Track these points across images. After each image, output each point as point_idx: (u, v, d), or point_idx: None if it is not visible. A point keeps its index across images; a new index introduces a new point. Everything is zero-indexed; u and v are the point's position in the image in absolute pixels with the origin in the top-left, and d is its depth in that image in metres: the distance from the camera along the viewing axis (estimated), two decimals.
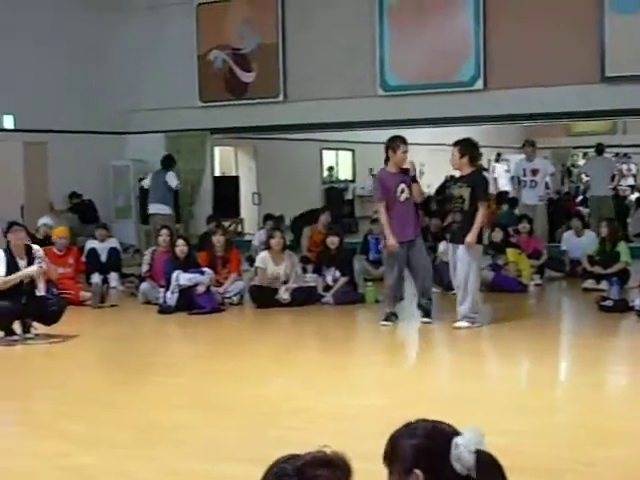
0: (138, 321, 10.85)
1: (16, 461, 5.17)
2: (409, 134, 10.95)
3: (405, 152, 9.69)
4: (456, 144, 9.61)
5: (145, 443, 5.55)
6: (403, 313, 9.97)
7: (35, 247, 9.16)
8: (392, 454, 2.64)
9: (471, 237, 9.21)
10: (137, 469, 5.07)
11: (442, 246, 11.60)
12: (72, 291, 11.24)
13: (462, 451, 2.47)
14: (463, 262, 9.33)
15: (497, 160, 26.74)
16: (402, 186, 9.55)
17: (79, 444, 5.43)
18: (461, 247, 9.31)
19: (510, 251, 12.38)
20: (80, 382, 7.42)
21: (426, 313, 9.74)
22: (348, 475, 2.40)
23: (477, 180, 9.57)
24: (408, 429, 2.65)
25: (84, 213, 16.23)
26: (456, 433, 2.54)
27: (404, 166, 9.73)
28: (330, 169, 25.52)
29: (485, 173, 12.50)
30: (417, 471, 2.50)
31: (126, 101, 17.31)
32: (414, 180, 9.76)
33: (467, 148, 9.55)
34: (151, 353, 8.83)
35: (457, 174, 10.20)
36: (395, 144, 9.71)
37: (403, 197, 9.54)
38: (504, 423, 5.61)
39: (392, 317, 9.74)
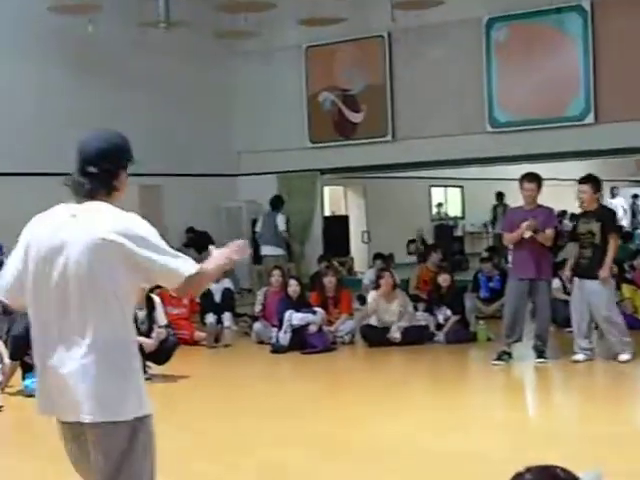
0: (252, 361, 10.99)
1: None
2: (518, 170, 10.88)
3: (527, 190, 9.62)
4: (586, 181, 9.55)
5: None
6: (516, 352, 9.85)
7: (156, 300, 9.37)
8: None
9: (606, 271, 9.28)
10: None
11: (556, 283, 11.43)
12: (187, 331, 11.48)
13: None
14: (601, 296, 9.32)
15: (613, 196, 26.07)
16: (526, 223, 9.47)
17: None
18: (595, 282, 9.25)
19: (626, 287, 12.13)
20: (200, 423, 7.54)
21: (540, 354, 9.62)
22: None
23: (606, 214, 9.65)
24: (529, 475, 2.64)
25: (200, 243, 16.38)
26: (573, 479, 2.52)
27: (532, 204, 9.64)
28: (439, 205, 25.47)
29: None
30: None
31: (238, 143, 17.68)
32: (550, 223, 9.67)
33: (598, 184, 9.57)
34: (266, 394, 8.93)
35: (575, 210, 10.14)
36: (520, 180, 9.73)
37: (527, 235, 9.46)
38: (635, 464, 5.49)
39: (505, 356, 9.64)
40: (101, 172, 3.52)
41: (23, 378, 9.02)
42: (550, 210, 9.79)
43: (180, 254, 3.49)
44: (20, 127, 14.38)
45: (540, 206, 9.67)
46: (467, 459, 5.93)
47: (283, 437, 6.83)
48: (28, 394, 8.76)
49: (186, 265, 3.44)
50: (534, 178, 9.64)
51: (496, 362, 9.58)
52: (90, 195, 3.51)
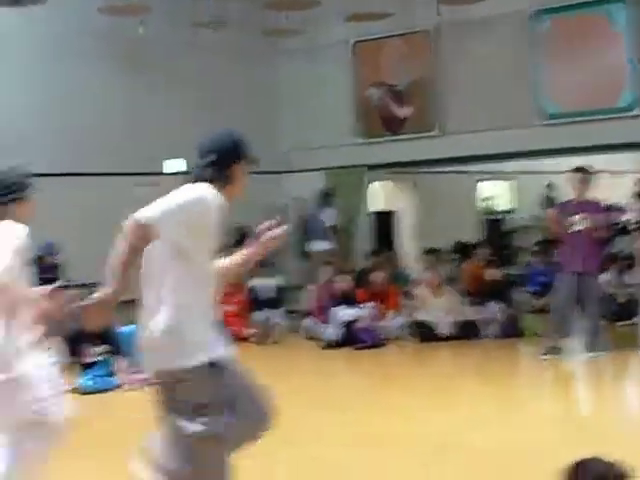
0: (301, 356, 11.08)
1: None
2: (569, 162, 10.84)
3: (577, 181, 9.60)
4: None
5: (308, 478, 5.70)
6: (566, 346, 9.81)
7: None
8: None
9: None
10: None
11: (605, 277, 11.37)
12: (237, 327, 11.60)
13: None
14: None
15: None
16: (577, 217, 9.45)
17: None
18: None
19: None
20: None
21: (590, 348, 9.58)
22: None
23: None
24: (580, 469, 2.67)
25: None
26: (627, 477, 2.53)
27: (582, 197, 9.61)
28: (488, 199, 25.31)
29: None
30: None
31: (286, 141, 17.77)
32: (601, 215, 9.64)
33: None
34: (316, 387, 9.01)
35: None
36: (570, 174, 9.71)
37: (576, 228, 9.42)
38: None
39: (554, 350, 9.61)
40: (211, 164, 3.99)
41: (79, 376, 9.20)
42: (599, 203, 9.74)
43: None
44: (75, 127, 14.61)
45: (588, 200, 9.63)
46: (516, 454, 5.95)
47: (331, 430, 6.90)
48: (83, 392, 8.95)
49: None
50: (584, 171, 9.60)
51: (545, 356, 9.56)
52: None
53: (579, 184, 9.56)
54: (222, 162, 4.01)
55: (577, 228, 9.37)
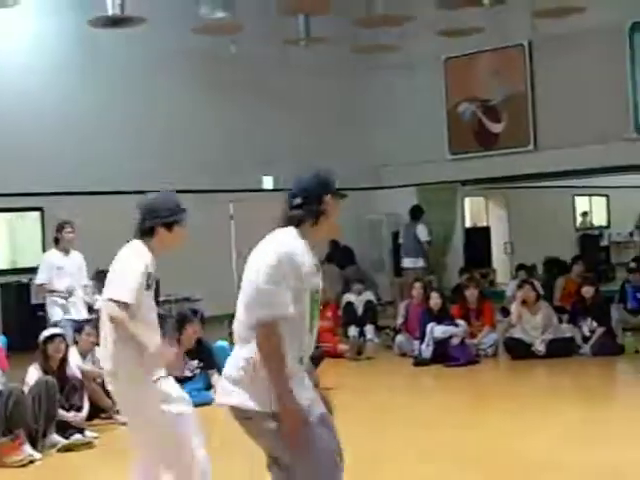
0: (394, 373, 11.03)
1: None
2: None
3: None
4: None
5: None
6: None
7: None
8: None
9: None
10: None
11: None
12: (330, 343, 11.63)
13: None
14: None
15: None
16: None
17: None
18: None
19: None
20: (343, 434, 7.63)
21: None
22: None
23: None
24: None
25: (342, 259, 16.61)
26: None
27: None
28: (584, 214, 24.94)
29: None
30: None
31: (379, 156, 17.81)
32: None
33: None
34: (409, 406, 8.97)
35: None
36: None
37: None
38: None
39: None
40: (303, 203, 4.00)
41: None
42: None
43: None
44: (170, 145, 14.91)
45: None
46: (613, 474, 5.83)
47: (426, 450, 6.86)
48: None
49: None
50: None
51: None
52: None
53: None
54: (311, 200, 3.98)
55: None
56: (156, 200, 5.00)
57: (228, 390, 3.87)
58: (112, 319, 4.74)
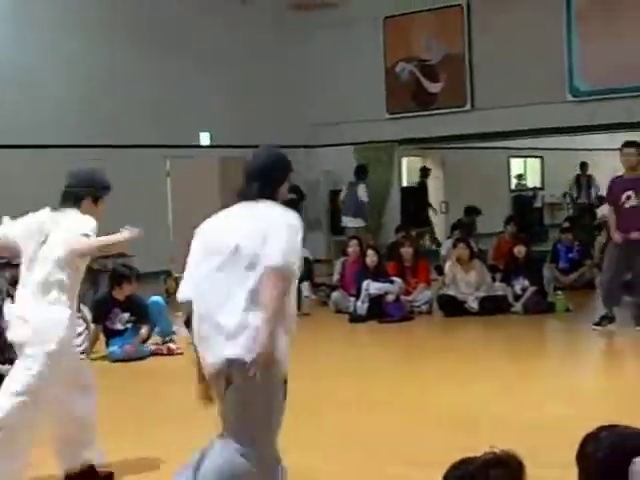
0: (330, 329, 11.14)
1: None
2: (598, 140, 10.77)
3: (626, 156, 9.49)
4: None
5: (339, 446, 5.76)
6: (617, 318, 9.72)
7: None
8: (579, 457, 2.71)
9: None
10: (331, 469, 5.28)
11: None
12: None
13: (639, 472, 2.46)
14: None
15: None
16: (628, 193, 9.39)
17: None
18: None
19: None
20: None
21: (638, 321, 9.56)
22: (521, 472, 2.47)
23: None
24: (598, 436, 2.69)
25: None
26: None
27: (633, 172, 9.51)
28: (519, 177, 25.25)
29: None
30: None
31: (316, 115, 17.77)
32: None
33: None
34: (344, 359, 9.07)
35: None
36: (620, 148, 9.62)
37: (628, 204, 9.37)
38: None
39: (604, 321, 9.55)
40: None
41: (107, 345, 9.32)
42: None
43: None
44: (106, 98, 14.71)
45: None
46: (543, 427, 5.98)
47: (357, 399, 6.98)
48: (114, 359, 9.06)
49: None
50: (634, 145, 9.51)
51: (596, 327, 9.52)
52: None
53: (629, 158, 9.44)
54: (269, 186, 4.28)
55: (630, 204, 9.30)
56: (89, 173, 5.26)
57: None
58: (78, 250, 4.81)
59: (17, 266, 5.25)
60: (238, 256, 4.00)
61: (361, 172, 15.91)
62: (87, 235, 4.86)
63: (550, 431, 5.83)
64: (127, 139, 14.78)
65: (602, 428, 2.74)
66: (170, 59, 15.59)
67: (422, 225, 19.67)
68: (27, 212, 5.30)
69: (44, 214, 5.12)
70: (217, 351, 3.96)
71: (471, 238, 13.39)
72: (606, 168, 19.93)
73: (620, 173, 9.78)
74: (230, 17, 16.43)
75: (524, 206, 23.05)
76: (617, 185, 9.63)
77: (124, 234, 5.03)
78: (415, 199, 19.69)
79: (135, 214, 13.68)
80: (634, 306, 9.74)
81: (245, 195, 4.28)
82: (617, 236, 9.40)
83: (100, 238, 4.95)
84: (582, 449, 2.72)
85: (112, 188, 5.31)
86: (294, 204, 16.12)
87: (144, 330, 9.40)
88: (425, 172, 19.88)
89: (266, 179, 4.27)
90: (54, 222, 5.01)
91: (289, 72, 17.53)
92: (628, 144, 9.55)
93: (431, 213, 20.57)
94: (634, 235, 9.24)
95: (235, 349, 3.89)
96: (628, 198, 9.38)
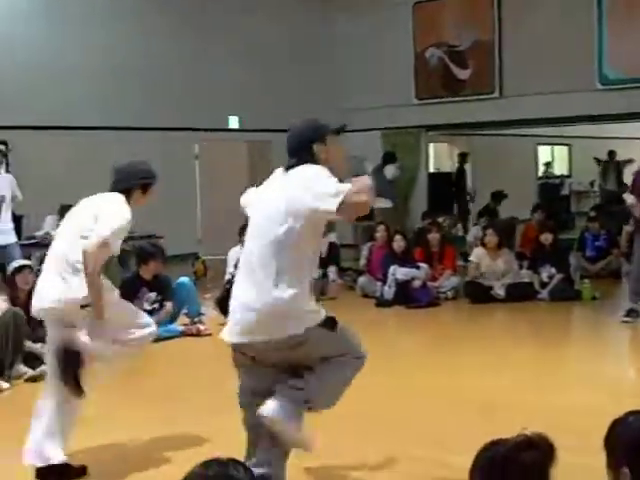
0: (357, 313, 11.19)
1: None
2: (627, 128, 10.74)
3: None
4: None
5: (362, 426, 5.85)
6: None
7: None
8: (607, 442, 2.75)
9: None
10: (355, 452, 5.37)
11: None
12: None
13: None
14: None
15: None
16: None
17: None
18: None
19: None
20: None
21: None
22: (552, 454, 2.50)
23: None
24: (626, 420, 2.74)
25: None
26: None
27: None
28: (547, 164, 25.20)
29: None
30: (625, 470, 2.54)
31: (345, 100, 17.81)
32: None
33: None
34: (370, 342, 9.13)
35: None
36: None
37: None
38: None
39: (632, 313, 9.54)
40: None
41: None
42: None
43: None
44: (136, 82, 14.81)
45: None
46: (563, 412, 6.03)
47: (386, 385, 7.04)
48: None
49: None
50: None
51: (625, 319, 9.54)
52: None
53: None
54: (302, 155, 4.29)
55: None
56: (133, 164, 5.34)
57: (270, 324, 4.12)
58: (85, 251, 4.81)
59: (47, 247, 5.36)
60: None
61: (389, 158, 15.91)
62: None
63: (578, 417, 5.88)
64: (157, 122, 14.90)
65: (630, 413, 2.78)
66: (200, 43, 15.69)
67: (449, 212, 19.62)
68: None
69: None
70: None
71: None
72: (635, 156, 19.91)
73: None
74: (261, 3, 16.49)
75: (551, 194, 22.99)
76: None
77: (99, 309, 4.95)
78: (451, 185, 19.64)
79: (164, 197, 13.88)
80: None
81: (287, 167, 4.35)
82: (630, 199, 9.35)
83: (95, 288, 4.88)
84: (610, 433, 2.76)
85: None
86: None
87: (168, 306, 9.50)
88: (464, 158, 19.84)
89: (300, 145, 4.32)
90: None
91: (318, 56, 17.59)
92: None
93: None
94: None
95: None
96: None
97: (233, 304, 4.27)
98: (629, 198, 9.47)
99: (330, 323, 4.31)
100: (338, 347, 4.36)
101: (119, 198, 5.06)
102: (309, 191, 4.06)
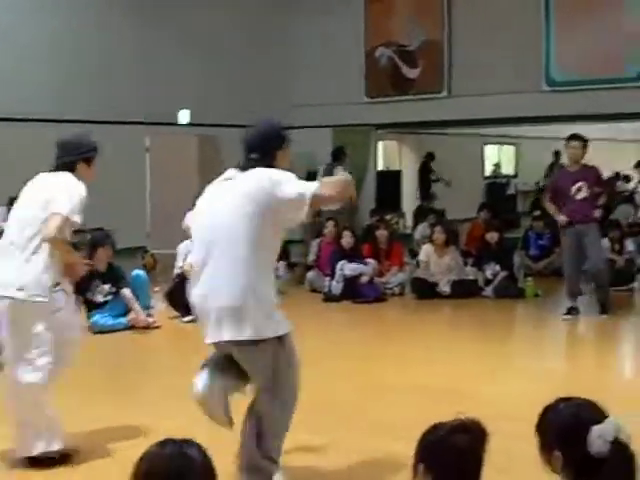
0: (305, 307, 11.33)
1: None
2: (575, 130, 10.98)
3: (571, 149, 9.74)
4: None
5: (316, 420, 5.98)
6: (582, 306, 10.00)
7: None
8: (539, 427, 2.90)
9: None
10: (311, 443, 5.49)
11: (605, 243, 11.58)
12: None
13: (596, 439, 2.60)
14: None
15: None
16: (579, 184, 9.59)
17: None
18: None
19: None
20: None
21: (602, 308, 9.81)
22: (484, 438, 2.66)
23: None
24: (557, 407, 2.90)
25: None
26: (601, 418, 2.69)
27: (577, 165, 9.74)
28: (496, 166, 25.53)
29: None
30: (557, 453, 2.70)
31: (294, 95, 17.92)
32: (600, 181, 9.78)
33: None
34: (317, 337, 9.28)
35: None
36: (566, 141, 9.85)
37: (580, 196, 9.57)
38: None
39: (573, 311, 9.79)
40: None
41: (88, 317, 9.45)
42: (595, 169, 9.87)
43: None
44: (91, 75, 14.78)
45: (585, 166, 9.77)
46: (503, 402, 6.21)
47: (332, 374, 7.20)
48: (96, 331, 9.20)
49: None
50: (578, 139, 9.73)
51: (565, 317, 9.77)
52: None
53: (573, 151, 9.69)
54: (266, 156, 4.47)
55: (582, 196, 9.52)
56: (76, 137, 5.42)
57: (237, 324, 4.26)
58: (53, 233, 4.88)
59: None
60: None
61: (339, 154, 16.02)
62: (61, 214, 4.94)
63: (514, 405, 6.08)
64: (108, 115, 14.85)
65: (561, 400, 2.93)
66: (153, 36, 15.69)
67: (396, 210, 19.81)
68: (11, 184, 5.45)
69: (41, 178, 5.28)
70: None
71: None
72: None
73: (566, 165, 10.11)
74: None
75: (497, 193, 23.33)
76: (565, 177, 9.87)
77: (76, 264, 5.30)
78: (390, 183, 19.83)
79: (114, 190, 13.90)
80: (597, 293, 9.98)
81: (244, 167, 4.47)
82: (562, 217, 9.61)
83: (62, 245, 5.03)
84: (542, 419, 2.90)
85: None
86: None
87: (127, 292, 9.52)
88: (431, 156, 19.90)
89: (264, 149, 4.48)
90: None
91: (269, 53, 17.66)
92: (573, 137, 9.75)
93: (404, 198, 20.70)
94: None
95: None
96: (579, 190, 9.56)
97: None
98: (555, 214, 9.72)
99: None
100: None
101: (67, 176, 5.14)
102: (279, 186, 4.26)
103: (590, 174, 9.67)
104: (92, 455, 5.27)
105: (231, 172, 4.53)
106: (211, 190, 4.57)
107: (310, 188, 4.26)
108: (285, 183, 4.27)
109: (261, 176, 4.32)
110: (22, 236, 5.01)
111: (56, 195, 4.99)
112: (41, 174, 5.32)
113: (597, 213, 9.75)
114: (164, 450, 2.44)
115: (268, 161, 4.44)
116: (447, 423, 2.70)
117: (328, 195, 4.34)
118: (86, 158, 5.29)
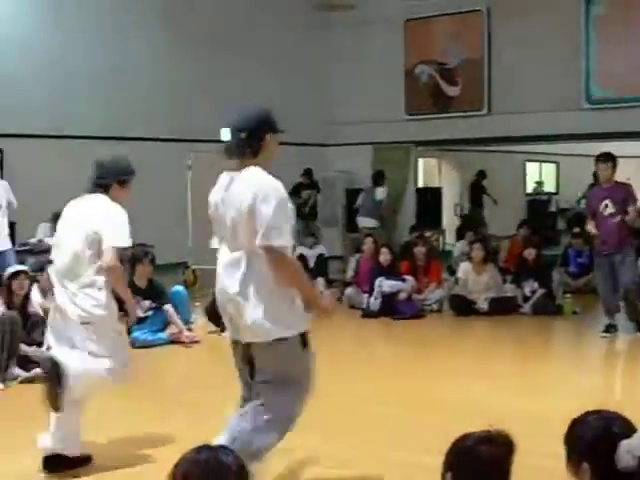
0: (343, 324, 11.40)
1: None
2: (616, 147, 10.98)
3: (601, 169, 9.76)
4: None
5: (346, 433, 6.06)
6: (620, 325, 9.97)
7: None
8: (568, 439, 2.95)
9: None
10: (344, 454, 5.58)
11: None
12: None
13: (624, 454, 2.63)
14: None
15: None
16: (606, 202, 9.64)
17: None
18: None
19: None
20: None
21: (638, 326, 9.80)
22: (510, 451, 2.71)
23: None
24: (586, 420, 2.95)
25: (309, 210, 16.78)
26: (630, 433, 2.74)
27: (609, 183, 9.77)
28: (539, 183, 25.46)
29: None
30: (585, 465, 2.74)
31: (335, 113, 18.06)
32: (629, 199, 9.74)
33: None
34: (355, 353, 9.37)
35: None
36: (595, 160, 9.89)
37: (607, 212, 9.63)
38: None
39: (611, 329, 9.80)
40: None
41: (128, 332, 9.57)
42: (627, 186, 9.86)
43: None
44: (131, 93, 15.01)
45: (617, 183, 9.79)
46: (536, 419, 6.24)
47: (376, 395, 7.26)
48: (137, 346, 9.32)
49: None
50: (608, 158, 9.73)
51: (603, 334, 9.78)
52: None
53: (603, 171, 9.72)
54: (254, 136, 4.39)
55: (608, 212, 9.55)
56: (113, 159, 5.55)
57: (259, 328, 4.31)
58: (110, 267, 5.12)
59: (41, 253, 5.57)
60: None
61: (379, 177, 16.11)
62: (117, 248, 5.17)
63: (546, 422, 6.08)
64: (152, 132, 15.08)
65: (589, 413, 2.98)
66: (194, 55, 15.91)
67: (435, 226, 19.80)
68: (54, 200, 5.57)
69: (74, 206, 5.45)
70: None
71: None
72: (621, 176, 20.11)
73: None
74: (256, 12, 16.72)
75: (539, 210, 23.25)
76: (595, 195, 9.94)
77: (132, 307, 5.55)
78: (430, 200, 19.85)
79: (156, 206, 14.10)
80: (627, 312, 9.97)
81: (231, 150, 4.45)
82: (597, 242, 9.75)
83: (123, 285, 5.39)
84: (570, 432, 2.95)
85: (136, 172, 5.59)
86: (303, 188, 16.51)
87: (169, 308, 9.67)
88: (483, 174, 19.94)
89: (252, 129, 4.41)
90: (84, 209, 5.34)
91: (310, 70, 17.83)
92: (600, 156, 9.77)
93: (444, 215, 20.70)
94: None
95: None
96: (606, 207, 9.60)
97: None
98: (592, 229, 9.74)
99: None
100: None
101: (104, 201, 5.30)
102: (263, 219, 4.18)
103: (618, 191, 9.67)
104: (129, 461, 5.40)
105: (225, 179, 4.54)
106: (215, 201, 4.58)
107: (283, 237, 4.18)
108: (267, 205, 4.19)
109: (255, 196, 4.26)
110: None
111: (101, 229, 5.17)
112: (78, 201, 5.45)
113: (630, 239, 9.77)
114: (200, 456, 2.52)
115: (257, 142, 4.38)
116: (475, 433, 2.75)
117: (287, 261, 4.26)
118: (121, 180, 5.43)
